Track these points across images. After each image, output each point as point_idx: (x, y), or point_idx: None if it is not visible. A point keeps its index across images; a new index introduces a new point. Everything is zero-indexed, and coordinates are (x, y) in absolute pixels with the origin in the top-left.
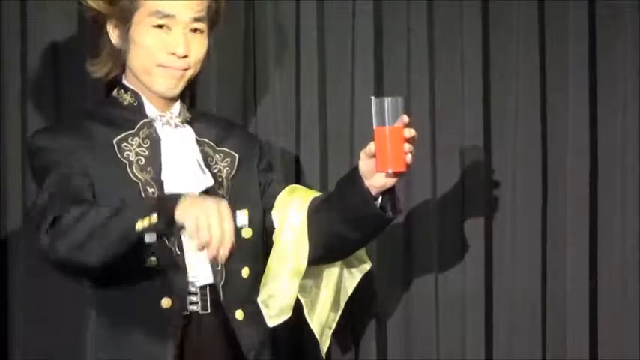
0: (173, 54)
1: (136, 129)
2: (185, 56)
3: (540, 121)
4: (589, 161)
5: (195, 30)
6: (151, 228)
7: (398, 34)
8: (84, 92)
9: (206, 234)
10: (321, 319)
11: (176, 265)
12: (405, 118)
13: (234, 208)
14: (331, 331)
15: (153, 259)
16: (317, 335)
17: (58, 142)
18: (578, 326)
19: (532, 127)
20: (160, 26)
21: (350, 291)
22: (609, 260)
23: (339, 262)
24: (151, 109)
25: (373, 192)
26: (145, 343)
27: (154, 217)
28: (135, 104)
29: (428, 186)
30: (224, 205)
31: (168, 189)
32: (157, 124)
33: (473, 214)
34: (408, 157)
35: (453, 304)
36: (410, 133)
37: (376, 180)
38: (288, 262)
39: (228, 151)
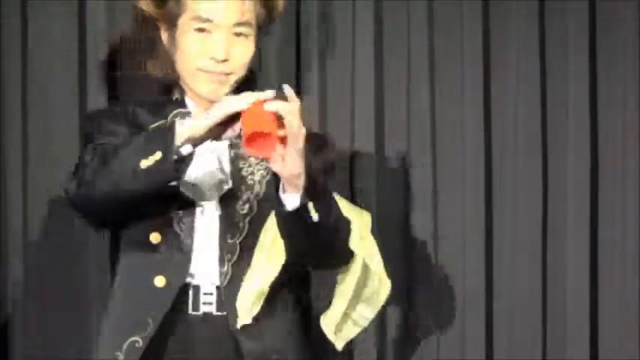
0: (212, 58)
1: (169, 118)
2: (225, 60)
3: (541, 120)
4: (589, 161)
5: (238, 34)
6: (157, 165)
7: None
8: (85, 91)
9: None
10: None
11: (179, 248)
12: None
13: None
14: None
15: (156, 234)
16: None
17: (105, 124)
18: (578, 326)
19: (532, 126)
20: (202, 30)
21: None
22: (610, 262)
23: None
24: (191, 105)
25: (288, 190)
26: (126, 317)
27: (158, 155)
28: (179, 99)
29: (429, 186)
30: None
31: (184, 186)
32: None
33: (473, 213)
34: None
35: (454, 303)
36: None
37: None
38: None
39: None
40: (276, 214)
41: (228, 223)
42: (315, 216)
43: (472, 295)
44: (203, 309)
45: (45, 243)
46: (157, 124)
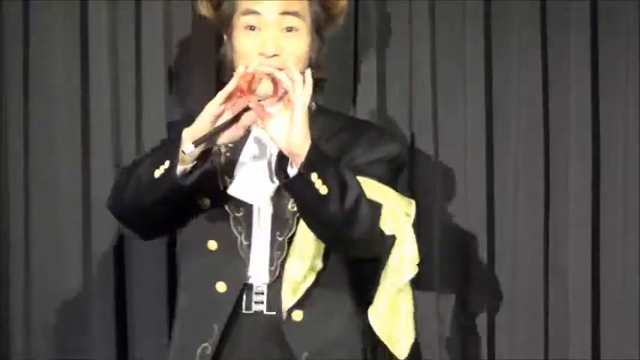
0: (262, 54)
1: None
2: (275, 55)
3: (542, 119)
4: (591, 163)
5: (289, 29)
6: (166, 174)
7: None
8: (88, 91)
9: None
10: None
11: (236, 252)
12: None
13: None
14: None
15: (213, 242)
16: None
17: (174, 132)
18: (580, 326)
19: (534, 125)
20: (252, 28)
21: None
22: (612, 262)
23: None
24: None
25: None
26: (194, 324)
27: (167, 164)
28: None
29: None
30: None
31: (233, 187)
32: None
33: (475, 215)
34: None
35: (457, 303)
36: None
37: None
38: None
39: None
40: (283, 188)
41: (278, 221)
42: (322, 189)
43: (475, 295)
44: (255, 308)
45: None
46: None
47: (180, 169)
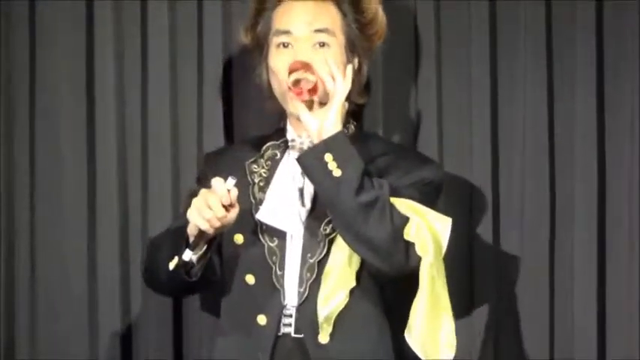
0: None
1: (262, 151)
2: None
3: (547, 125)
4: (597, 180)
5: (322, 44)
6: (180, 265)
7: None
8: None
9: (199, 218)
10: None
11: (273, 284)
12: None
13: None
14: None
15: (250, 275)
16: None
17: (211, 165)
18: (585, 327)
19: (539, 131)
20: (285, 45)
21: None
22: (617, 269)
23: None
24: (291, 133)
25: None
26: (242, 354)
27: (175, 260)
28: (282, 127)
29: None
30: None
31: (263, 209)
32: (289, 147)
33: (480, 221)
34: None
35: (461, 304)
36: None
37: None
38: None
39: None
40: (298, 163)
41: (310, 243)
42: (335, 171)
43: (480, 296)
44: (283, 330)
45: None
46: (252, 159)
47: (192, 257)
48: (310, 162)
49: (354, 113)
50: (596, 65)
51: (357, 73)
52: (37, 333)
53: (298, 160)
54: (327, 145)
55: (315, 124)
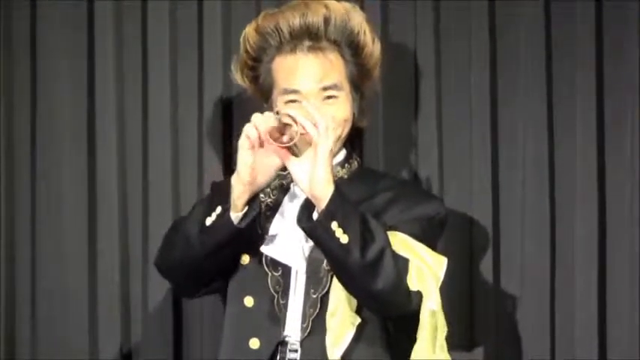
0: None
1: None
2: None
3: (548, 162)
4: (597, 206)
5: (330, 97)
6: (219, 219)
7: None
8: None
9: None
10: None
11: (272, 310)
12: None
13: None
14: None
15: (249, 298)
16: None
17: (219, 192)
18: (587, 327)
19: (540, 148)
20: (293, 101)
21: None
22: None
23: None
24: None
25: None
26: None
27: (219, 209)
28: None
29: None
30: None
31: (268, 242)
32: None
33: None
34: None
35: (462, 305)
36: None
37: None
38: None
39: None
40: (304, 233)
41: (312, 279)
42: (342, 238)
43: (480, 298)
44: None
45: None
46: None
47: (233, 215)
48: (319, 234)
49: (353, 143)
50: (595, 77)
51: (360, 101)
52: (37, 333)
53: (306, 231)
54: (330, 212)
55: (304, 176)
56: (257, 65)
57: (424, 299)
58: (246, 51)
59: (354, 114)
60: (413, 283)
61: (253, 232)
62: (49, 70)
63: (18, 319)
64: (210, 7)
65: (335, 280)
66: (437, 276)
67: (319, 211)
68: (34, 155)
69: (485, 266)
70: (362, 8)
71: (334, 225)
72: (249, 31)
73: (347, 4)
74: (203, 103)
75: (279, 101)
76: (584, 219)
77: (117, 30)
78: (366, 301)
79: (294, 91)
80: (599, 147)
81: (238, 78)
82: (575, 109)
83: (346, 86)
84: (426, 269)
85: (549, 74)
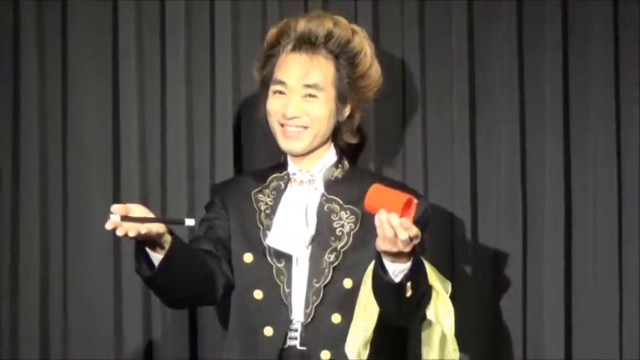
0: (284, 115)
1: (267, 182)
2: (295, 117)
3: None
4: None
5: (311, 95)
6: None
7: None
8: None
9: None
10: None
11: (280, 300)
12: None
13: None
14: None
15: (259, 291)
16: None
17: (219, 194)
18: (554, 328)
19: (514, 172)
20: (280, 92)
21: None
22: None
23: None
24: (292, 167)
25: (386, 259)
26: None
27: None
28: (282, 162)
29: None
30: None
31: (271, 234)
32: (291, 179)
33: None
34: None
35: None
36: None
37: (378, 244)
38: (360, 318)
39: (354, 209)
40: (373, 278)
41: (315, 270)
42: (408, 292)
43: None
44: (289, 343)
45: None
46: (257, 189)
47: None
48: (396, 294)
49: (349, 153)
50: (562, 100)
51: (348, 118)
52: (69, 335)
53: (382, 286)
54: (409, 277)
55: (391, 251)
56: (269, 60)
57: (439, 321)
58: (265, 47)
59: (338, 121)
60: (430, 311)
61: (252, 236)
62: (77, 69)
63: (51, 312)
64: (222, 8)
65: (364, 280)
66: (447, 304)
67: (402, 277)
68: (65, 156)
69: (464, 258)
70: (355, 12)
71: (408, 284)
72: (270, 30)
73: (356, 27)
74: (215, 95)
75: (270, 90)
76: (552, 213)
77: (138, 28)
78: (392, 322)
79: (281, 82)
80: (565, 146)
81: (254, 70)
82: (544, 110)
83: (330, 91)
84: (443, 292)
85: (521, 78)
